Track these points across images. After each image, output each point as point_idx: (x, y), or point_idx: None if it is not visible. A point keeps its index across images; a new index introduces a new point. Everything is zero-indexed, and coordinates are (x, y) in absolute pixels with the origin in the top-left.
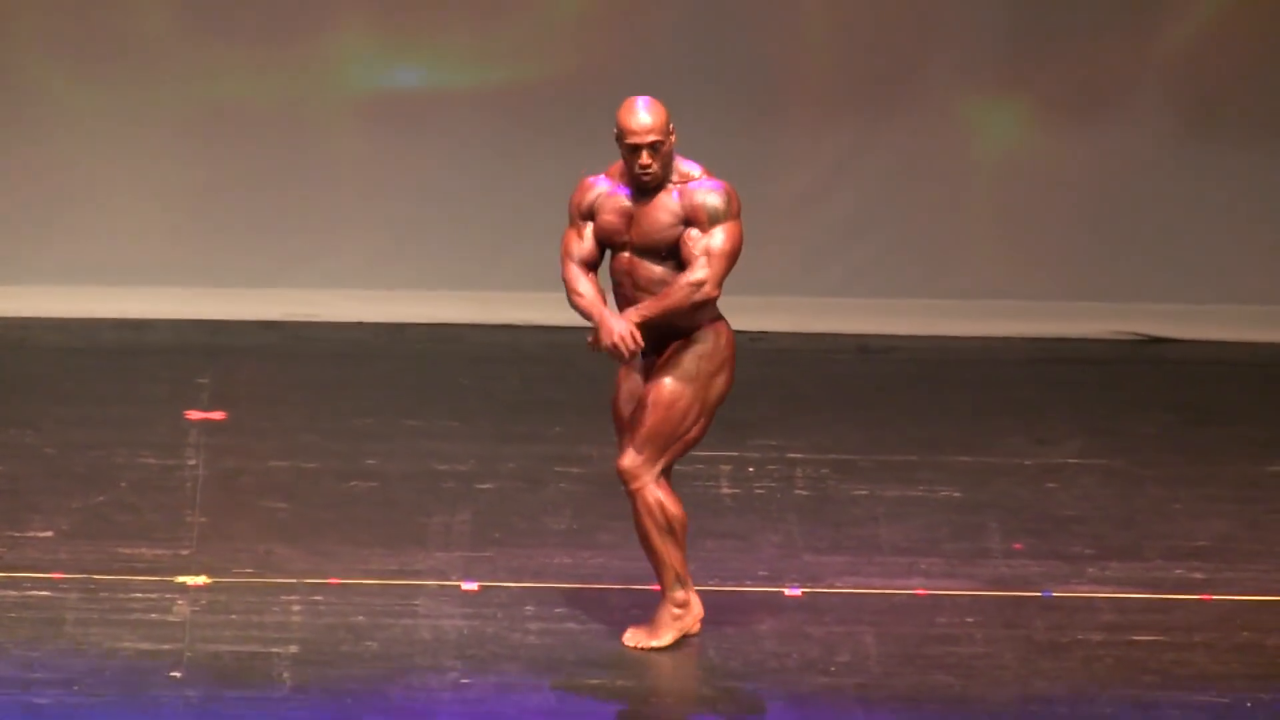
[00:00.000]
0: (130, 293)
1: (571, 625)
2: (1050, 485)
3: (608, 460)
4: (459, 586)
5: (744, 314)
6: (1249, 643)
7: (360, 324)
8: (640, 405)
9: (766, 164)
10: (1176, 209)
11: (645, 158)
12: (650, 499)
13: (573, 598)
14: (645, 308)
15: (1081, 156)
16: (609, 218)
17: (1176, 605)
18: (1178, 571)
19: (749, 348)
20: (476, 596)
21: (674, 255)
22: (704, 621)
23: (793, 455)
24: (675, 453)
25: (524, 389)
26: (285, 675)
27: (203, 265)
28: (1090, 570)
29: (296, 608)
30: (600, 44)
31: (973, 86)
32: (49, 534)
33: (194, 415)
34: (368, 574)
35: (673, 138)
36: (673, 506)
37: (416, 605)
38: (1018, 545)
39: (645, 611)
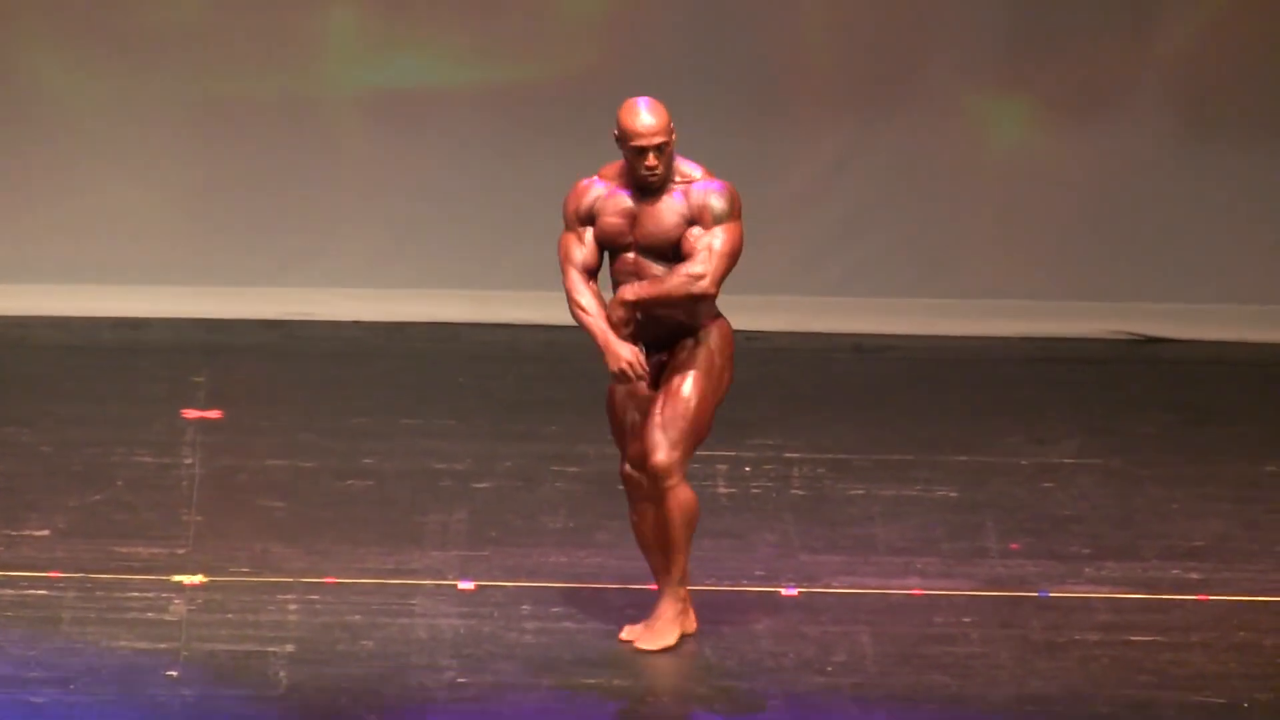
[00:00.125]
0: (129, 291)
1: (568, 624)
2: (1047, 485)
3: (605, 460)
4: (455, 586)
5: (741, 313)
6: (1246, 643)
7: (358, 323)
8: (668, 402)
9: (764, 164)
10: (1175, 209)
11: (651, 159)
12: (684, 495)
13: (569, 597)
14: (642, 288)
15: (1080, 156)
16: (612, 219)
17: (1173, 605)
18: (1175, 571)
19: (746, 346)
20: (473, 596)
21: (679, 255)
22: (700, 621)
23: (789, 455)
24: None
25: (522, 388)
26: (281, 674)
27: (201, 264)
28: (1087, 570)
29: (293, 607)
30: (600, 43)
31: (972, 86)
32: (46, 533)
33: (191, 414)
34: (364, 573)
35: (674, 137)
36: (697, 504)
37: (413, 604)
38: (1015, 545)
39: (641, 611)
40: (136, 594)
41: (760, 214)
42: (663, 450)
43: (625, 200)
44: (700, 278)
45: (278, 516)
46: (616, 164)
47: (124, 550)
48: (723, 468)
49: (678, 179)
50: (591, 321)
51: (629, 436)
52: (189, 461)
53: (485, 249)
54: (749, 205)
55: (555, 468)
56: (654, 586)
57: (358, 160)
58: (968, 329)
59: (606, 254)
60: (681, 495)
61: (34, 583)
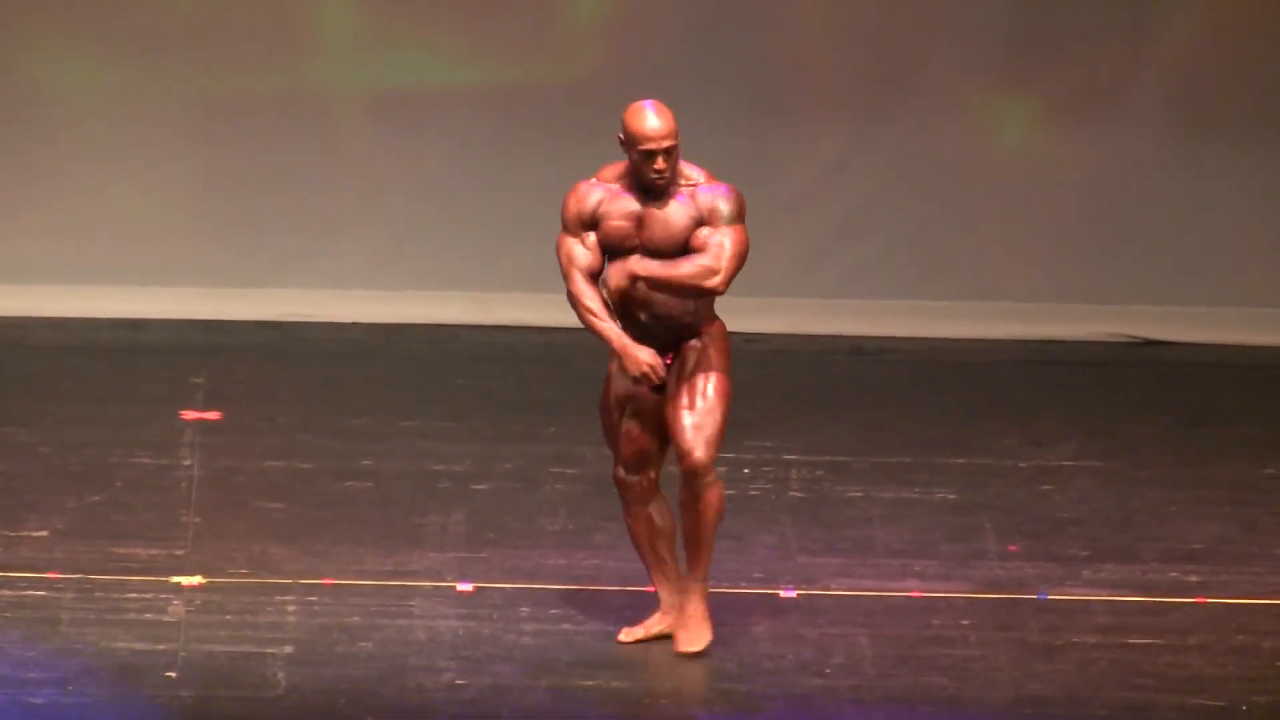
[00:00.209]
0: (128, 292)
1: (566, 626)
2: (1046, 487)
3: (604, 462)
4: (454, 587)
5: (740, 315)
6: (1244, 645)
7: (357, 324)
8: (695, 401)
9: (762, 165)
10: (1174, 211)
11: (660, 162)
12: (719, 492)
13: (568, 599)
14: (655, 266)
15: (1080, 157)
16: (619, 223)
17: (1171, 608)
18: (1173, 574)
19: (744, 349)
20: (471, 597)
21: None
22: None
23: (788, 457)
24: None
25: (520, 389)
26: (280, 676)
27: (200, 265)
28: (1085, 573)
29: (291, 608)
30: (600, 44)
31: (971, 87)
32: (44, 533)
33: (190, 415)
34: (363, 574)
35: (679, 139)
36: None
37: (411, 606)
38: (1013, 547)
39: (639, 612)
40: (135, 595)
41: (760, 215)
42: (701, 448)
43: (631, 203)
44: (716, 272)
45: (276, 518)
46: (615, 166)
47: (122, 551)
48: (721, 469)
49: (681, 182)
50: (605, 326)
51: (624, 440)
52: (188, 462)
53: (485, 250)
54: (748, 206)
55: (554, 469)
56: (651, 589)
57: (357, 161)
58: (966, 331)
59: (606, 257)
60: (718, 491)
61: (32, 583)
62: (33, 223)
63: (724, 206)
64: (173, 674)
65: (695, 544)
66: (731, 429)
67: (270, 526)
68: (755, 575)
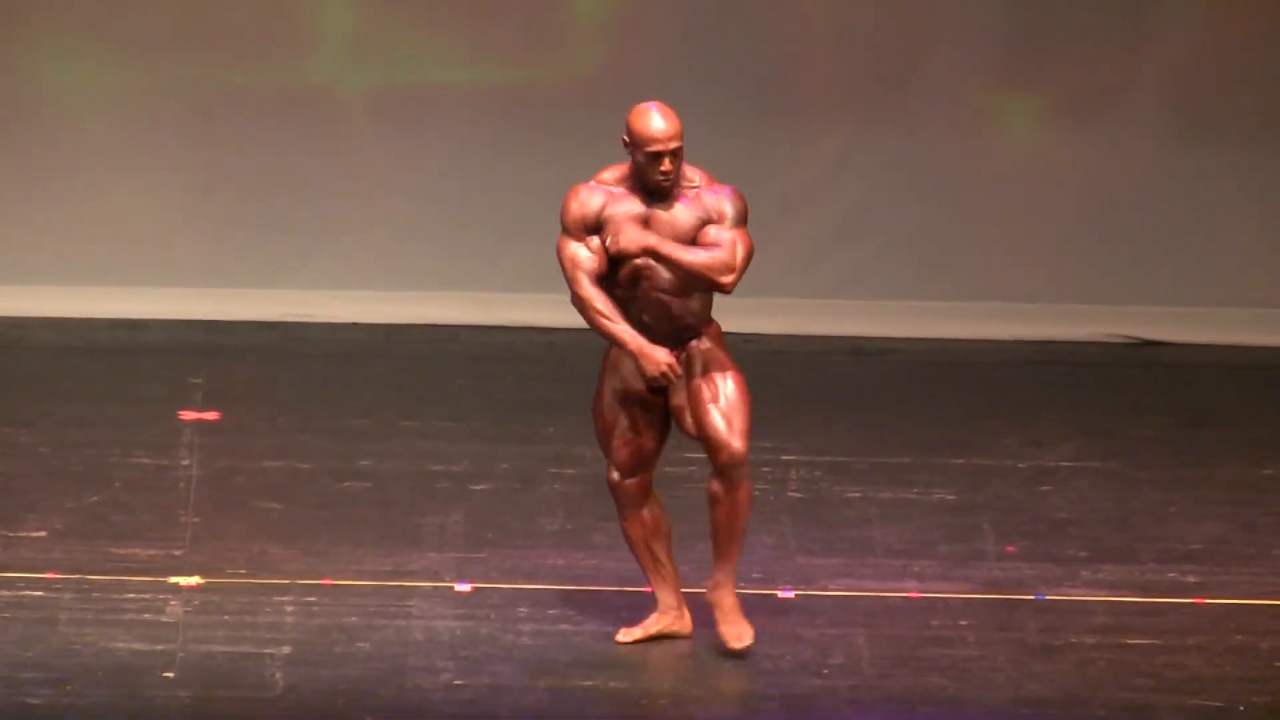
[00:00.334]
0: (127, 293)
1: (565, 627)
2: (1044, 488)
3: (603, 462)
4: (452, 588)
5: (738, 315)
6: (1243, 646)
7: (356, 324)
8: (720, 396)
9: (762, 165)
10: (1174, 211)
11: (666, 164)
12: (751, 485)
13: (566, 599)
14: (670, 245)
15: (1079, 157)
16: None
17: (1170, 608)
18: (1171, 575)
19: (743, 349)
20: (470, 598)
21: None
22: (697, 623)
23: (787, 457)
24: None
25: (520, 390)
26: (278, 676)
27: (199, 265)
28: (1084, 573)
29: (290, 608)
30: (600, 44)
31: (971, 87)
32: (43, 534)
33: (189, 415)
34: (361, 575)
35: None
36: None
37: (410, 606)
38: (1011, 548)
39: (638, 613)
40: (133, 595)
41: (760, 214)
42: (738, 439)
43: (635, 206)
44: (731, 269)
45: (275, 518)
46: (614, 169)
47: (121, 551)
48: None
49: (684, 183)
50: (619, 328)
51: (623, 442)
52: (186, 463)
53: (485, 250)
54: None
55: (553, 470)
56: (649, 589)
57: (357, 161)
58: (965, 331)
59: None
60: (750, 484)
61: (31, 584)
62: (32, 223)
63: (730, 209)
64: (171, 674)
65: (729, 538)
66: None
67: (269, 527)
68: (754, 575)
